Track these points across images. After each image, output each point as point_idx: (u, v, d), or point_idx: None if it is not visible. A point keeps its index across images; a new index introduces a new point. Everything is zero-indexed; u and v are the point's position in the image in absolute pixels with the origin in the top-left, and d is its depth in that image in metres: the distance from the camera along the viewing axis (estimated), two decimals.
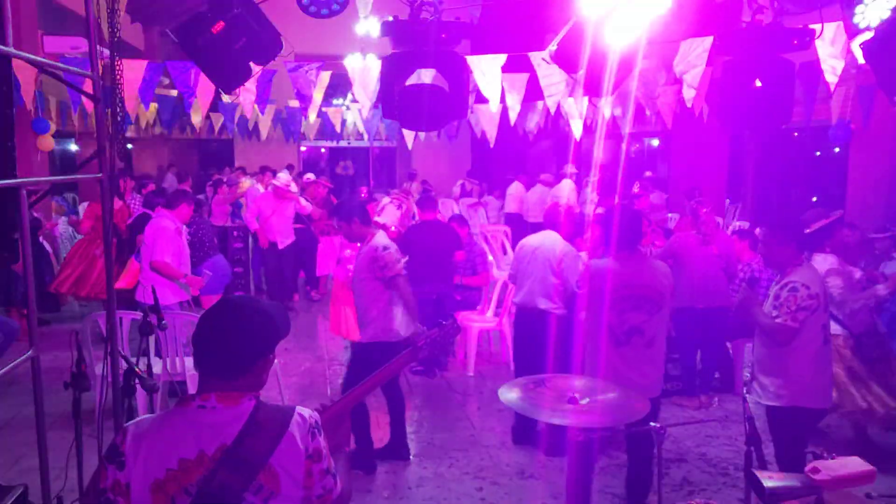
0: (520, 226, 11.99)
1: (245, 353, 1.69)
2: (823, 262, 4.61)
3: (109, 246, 3.28)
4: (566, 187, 11.52)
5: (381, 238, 4.34)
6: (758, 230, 9.20)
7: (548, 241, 4.79)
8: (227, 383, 1.68)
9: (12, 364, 2.66)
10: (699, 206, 5.96)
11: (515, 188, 12.98)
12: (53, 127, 10.36)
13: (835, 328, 4.64)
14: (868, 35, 3.97)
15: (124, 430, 1.66)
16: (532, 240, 4.92)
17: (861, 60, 4.01)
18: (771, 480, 2.17)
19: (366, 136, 14.33)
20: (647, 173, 11.70)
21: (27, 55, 2.76)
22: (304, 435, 1.68)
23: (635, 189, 10.96)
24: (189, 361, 4.97)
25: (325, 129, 14.56)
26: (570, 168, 12.30)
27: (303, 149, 18.53)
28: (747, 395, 3.87)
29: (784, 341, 3.39)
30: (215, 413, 1.64)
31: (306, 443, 1.68)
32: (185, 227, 6.00)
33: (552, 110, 7.34)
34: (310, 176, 10.58)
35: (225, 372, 1.68)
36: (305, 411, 1.74)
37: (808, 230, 4.65)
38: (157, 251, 5.41)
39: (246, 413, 1.66)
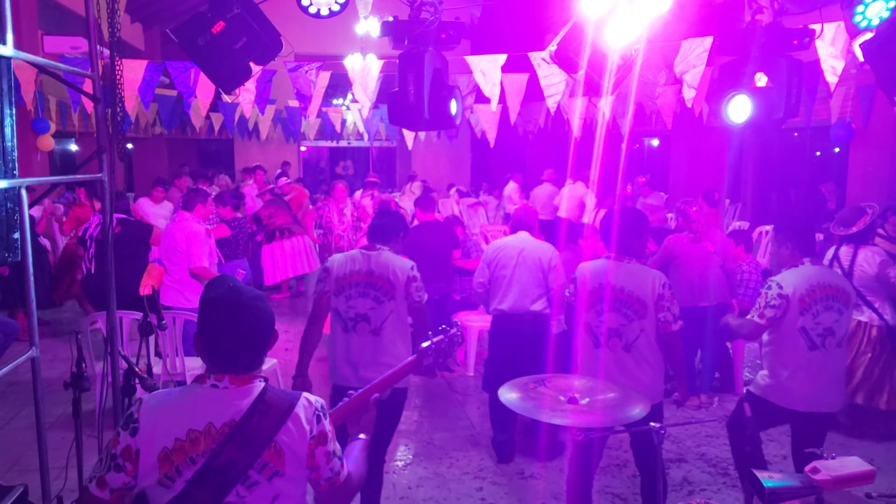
0: None
1: (264, 345, 1.80)
2: (874, 256, 4.75)
3: (109, 245, 3.27)
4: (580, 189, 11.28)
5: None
6: (759, 229, 9.20)
7: (529, 243, 4.62)
8: (243, 370, 1.76)
9: (12, 364, 2.66)
10: (687, 206, 5.94)
11: (512, 188, 12.99)
12: (53, 127, 10.38)
13: (870, 317, 4.85)
14: (868, 35, 3.98)
15: (140, 399, 1.74)
16: (509, 243, 4.67)
17: (861, 60, 4.01)
18: (771, 480, 2.17)
19: (366, 136, 14.36)
20: (641, 178, 11.57)
21: (27, 55, 2.76)
22: (310, 417, 1.75)
23: (627, 190, 10.88)
24: (189, 361, 4.97)
25: (325, 129, 14.60)
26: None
27: (303, 149, 18.55)
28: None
29: (748, 335, 3.63)
30: (227, 392, 1.72)
31: (311, 424, 1.75)
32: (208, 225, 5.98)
33: (552, 110, 7.34)
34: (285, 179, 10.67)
35: (246, 365, 1.76)
36: (312, 397, 1.81)
37: (854, 229, 4.80)
38: (194, 257, 5.41)
39: (255, 393, 1.73)
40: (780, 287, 3.42)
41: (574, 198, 10.64)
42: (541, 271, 4.50)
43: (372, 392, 2.10)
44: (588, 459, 3.54)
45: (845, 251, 4.86)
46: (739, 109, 4.16)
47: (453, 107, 3.84)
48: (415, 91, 3.68)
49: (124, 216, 5.98)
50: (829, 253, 5.04)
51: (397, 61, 3.78)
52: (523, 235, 4.69)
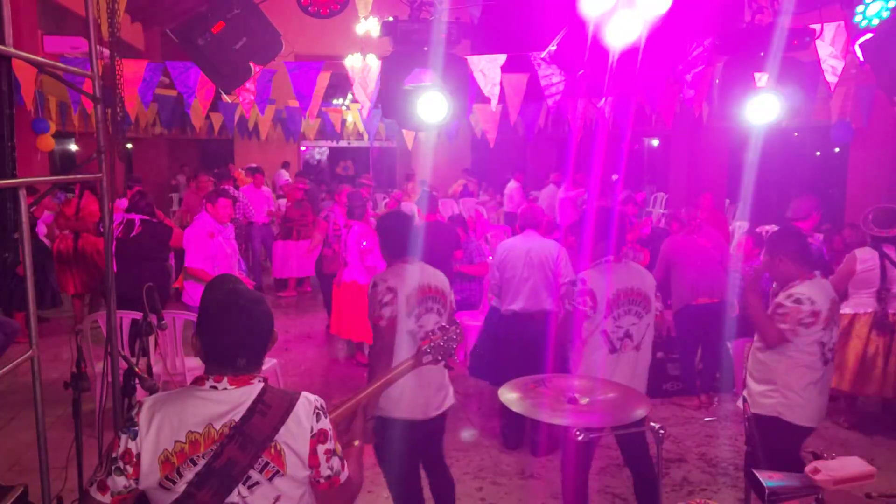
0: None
1: (263, 347, 1.80)
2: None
3: (110, 245, 3.27)
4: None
5: None
6: (759, 229, 9.17)
7: (535, 242, 4.67)
8: (241, 370, 1.76)
9: (12, 364, 2.66)
10: (677, 210, 6.01)
11: (513, 187, 12.99)
12: (53, 127, 10.36)
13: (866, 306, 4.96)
14: (868, 35, 3.97)
15: (140, 402, 1.74)
16: (517, 244, 4.72)
17: (861, 60, 4.01)
18: (771, 480, 2.17)
19: (366, 136, 14.36)
20: (615, 176, 11.46)
21: (27, 55, 2.76)
22: (310, 415, 1.76)
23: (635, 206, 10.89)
24: (189, 361, 4.97)
25: (325, 129, 14.61)
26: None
27: (303, 149, 18.55)
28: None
29: (770, 346, 3.33)
30: (226, 393, 1.72)
31: (311, 423, 1.75)
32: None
33: (552, 110, 7.34)
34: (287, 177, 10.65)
35: (244, 366, 1.76)
36: (311, 395, 1.81)
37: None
38: (187, 257, 5.64)
39: (254, 393, 1.73)
40: (814, 303, 3.23)
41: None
42: (549, 269, 4.54)
43: (365, 399, 2.12)
44: (586, 459, 3.54)
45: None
46: (765, 109, 4.15)
47: (425, 109, 3.84)
48: (392, 91, 3.72)
49: (146, 217, 6.00)
50: (864, 253, 5.01)
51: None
52: (530, 234, 4.73)
